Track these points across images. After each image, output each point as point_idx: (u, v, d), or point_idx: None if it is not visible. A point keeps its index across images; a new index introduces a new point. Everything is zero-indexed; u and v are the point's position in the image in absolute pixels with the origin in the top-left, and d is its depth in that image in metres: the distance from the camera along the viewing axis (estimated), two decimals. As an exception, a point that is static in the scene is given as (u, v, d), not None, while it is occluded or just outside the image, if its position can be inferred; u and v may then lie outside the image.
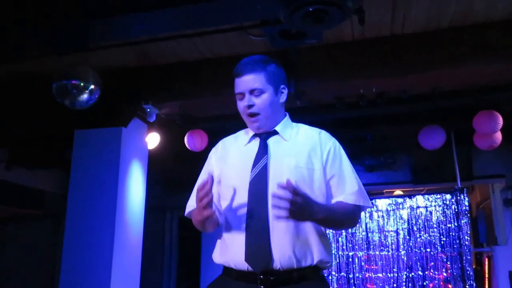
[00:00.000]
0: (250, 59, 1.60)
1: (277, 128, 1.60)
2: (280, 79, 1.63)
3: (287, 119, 1.66)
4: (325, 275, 1.61)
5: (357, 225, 5.82)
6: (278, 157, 1.53)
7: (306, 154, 1.54)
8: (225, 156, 1.63)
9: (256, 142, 1.60)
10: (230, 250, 1.49)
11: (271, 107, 1.57)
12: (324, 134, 1.63)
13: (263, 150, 1.54)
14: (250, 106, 1.55)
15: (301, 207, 1.33)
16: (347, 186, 1.55)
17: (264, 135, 1.59)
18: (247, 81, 1.56)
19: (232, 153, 1.63)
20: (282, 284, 1.42)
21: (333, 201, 1.55)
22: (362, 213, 5.76)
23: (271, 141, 1.58)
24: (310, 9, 2.35)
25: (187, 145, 4.49)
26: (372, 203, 5.76)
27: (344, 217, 1.54)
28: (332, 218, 1.48)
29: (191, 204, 1.65)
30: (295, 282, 1.42)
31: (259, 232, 1.43)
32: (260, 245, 1.42)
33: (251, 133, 1.63)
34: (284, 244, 1.42)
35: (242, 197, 1.49)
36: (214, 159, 1.67)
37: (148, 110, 3.92)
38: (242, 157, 1.57)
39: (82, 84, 3.22)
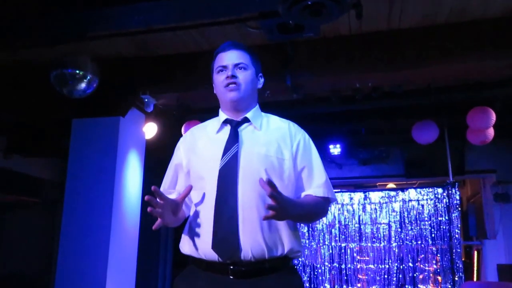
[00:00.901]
0: (235, 41, 1.63)
1: (248, 116, 1.59)
2: (260, 67, 1.66)
3: (257, 108, 1.65)
4: (296, 265, 1.58)
5: (350, 217, 5.88)
6: (249, 146, 1.51)
7: (276, 144, 1.53)
8: (194, 146, 1.61)
9: (227, 130, 1.57)
10: (198, 239, 1.46)
11: (251, 85, 1.58)
12: (294, 126, 1.63)
13: (233, 138, 1.52)
14: (233, 76, 1.54)
15: (283, 204, 1.31)
16: (316, 178, 1.55)
17: (235, 123, 1.57)
18: (233, 55, 1.57)
19: (201, 142, 1.60)
20: (253, 275, 1.39)
21: (303, 194, 1.55)
22: (355, 206, 5.83)
23: (242, 129, 1.57)
24: (309, 3, 2.38)
25: (184, 136, 4.51)
26: (369, 195, 5.89)
27: (314, 211, 1.54)
28: (304, 213, 1.48)
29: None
30: (266, 273, 1.40)
31: (227, 220, 1.41)
32: (227, 232, 1.39)
33: (223, 118, 1.60)
34: (254, 232, 1.40)
35: (211, 186, 1.47)
36: (182, 149, 1.64)
37: (146, 100, 3.94)
38: (212, 145, 1.55)
39: (80, 73, 3.24)
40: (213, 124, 1.64)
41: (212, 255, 1.41)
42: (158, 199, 1.39)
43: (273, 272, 1.41)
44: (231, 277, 1.39)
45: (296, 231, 1.51)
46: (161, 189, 1.62)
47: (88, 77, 3.30)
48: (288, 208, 1.35)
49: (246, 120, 1.58)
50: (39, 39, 3.18)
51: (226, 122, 1.59)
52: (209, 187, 1.47)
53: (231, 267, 1.39)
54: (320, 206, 1.55)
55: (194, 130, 1.70)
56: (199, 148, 1.58)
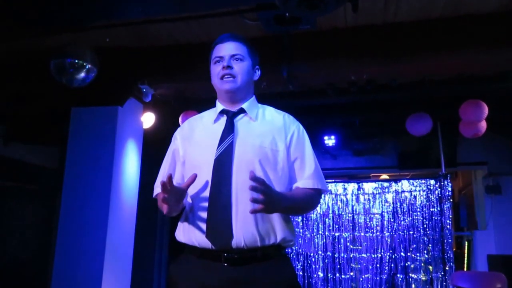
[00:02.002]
0: (233, 33, 1.65)
1: (244, 106, 1.61)
2: (257, 59, 1.68)
3: (254, 99, 1.67)
4: (288, 253, 1.58)
5: (344, 207, 5.96)
6: (244, 137, 1.54)
7: (271, 135, 1.55)
8: (191, 136, 1.63)
9: (223, 120, 1.60)
10: (193, 228, 1.49)
11: (247, 76, 1.60)
12: (289, 117, 1.65)
13: (229, 129, 1.55)
14: (229, 67, 1.56)
15: (270, 197, 1.34)
16: (307, 169, 1.57)
17: (231, 113, 1.60)
18: (230, 46, 1.60)
19: (198, 132, 1.62)
20: (246, 263, 1.42)
21: (294, 186, 1.57)
22: (349, 196, 5.91)
23: (238, 120, 1.59)
24: (306, -5, 2.42)
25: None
26: (363, 186, 5.94)
27: (304, 204, 1.56)
28: (294, 206, 1.50)
29: (158, 185, 1.61)
30: (258, 260, 1.43)
31: (221, 209, 1.44)
32: (221, 221, 1.42)
33: (219, 108, 1.63)
34: (248, 221, 1.42)
35: (206, 175, 1.49)
36: (179, 139, 1.66)
37: (144, 90, 3.98)
38: (208, 135, 1.57)
39: (79, 62, 3.26)
40: (210, 114, 1.67)
41: (206, 243, 1.44)
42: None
43: (266, 260, 1.44)
44: (225, 264, 1.42)
45: (289, 220, 1.54)
46: (160, 178, 1.64)
47: (87, 67, 3.31)
48: (276, 202, 1.37)
49: (242, 110, 1.60)
50: (39, 28, 3.20)
51: (222, 112, 1.62)
52: (204, 176, 1.49)
53: (225, 254, 1.42)
54: (310, 198, 1.56)
55: (192, 120, 1.71)
56: (196, 138, 1.61)
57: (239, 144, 1.52)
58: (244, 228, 1.42)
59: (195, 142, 1.60)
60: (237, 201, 1.44)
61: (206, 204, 1.47)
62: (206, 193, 1.48)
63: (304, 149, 1.60)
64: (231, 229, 1.42)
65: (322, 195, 1.71)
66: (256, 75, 1.68)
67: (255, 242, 1.42)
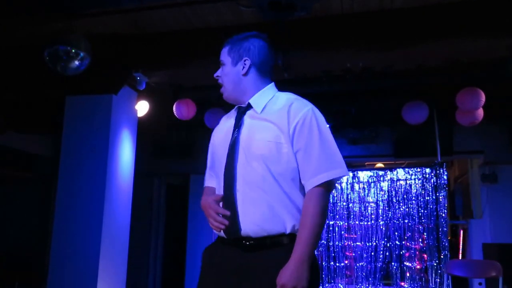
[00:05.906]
0: (233, 36, 1.70)
1: (251, 101, 1.62)
2: (239, 51, 1.63)
3: (263, 91, 1.64)
4: None
5: (339, 195, 5.98)
6: (249, 132, 1.56)
7: (275, 127, 1.53)
8: (216, 132, 1.74)
9: (235, 116, 1.67)
10: None
11: (228, 78, 1.65)
12: (296, 105, 1.57)
13: (236, 125, 1.61)
14: (217, 77, 1.70)
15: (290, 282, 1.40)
16: (313, 162, 1.51)
17: (242, 109, 1.64)
18: (221, 53, 1.70)
19: (219, 129, 1.73)
20: (258, 249, 1.50)
21: (305, 183, 1.53)
22: (344, 184, 5.91)
23: (247, 115, 1.62)
24: (300, -18, 2.40)
25: (175, 114, 4.55)
26: (358, 174, 5.94)
27: (315, 230, 1.47)
28: (309, 240, 1.45)
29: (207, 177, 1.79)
30: (268, 247, 1.50)
31: (228, 202, 1.53)
32: (229, 215, 1.52)
33: (235, 105, 1.71)
34: (254, 215, 1.49)
35: (222, 171, 1.59)
36: (213, 133, 1.77)
37: (138, 78, 3.97)
38: (225, 132, 1.65)
39: (73, 50, 3.23)
40: (231, 111, 1.74)
41: (222, 233, 1.56)
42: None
43: (276, 246, 1.50)
44: (241, 250, 1.52)
45: (295, 210, 1.52)
46: (207, 169, 1.78)
47: (81, 55, 3.29)
48: (295, 275, 1.41)
49: (249, 105, 1.63)
50: (33, 16, 3.17)
51: (236, 109, 1.69)
52: (220, 172, 1.60)
53: (240, 242, 1.52)
54: (315, 212, 1.47)
55: (224, 116, 1.80)
56: (218, 134, 1.71)
57: (243, 139, 1.56)
58: (250, 222, 1.50)
59: (216, 139, 1.71)
60: (243, 196, 1.51)
61: (221, 197, 1.58)
62: (221, 189, 1.58)
63: (310, 137, 1.52)
64: (238, 223, 1.51)
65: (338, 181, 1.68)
66: (243, 68, 1.62)
67: (262, 232, 1.50)
